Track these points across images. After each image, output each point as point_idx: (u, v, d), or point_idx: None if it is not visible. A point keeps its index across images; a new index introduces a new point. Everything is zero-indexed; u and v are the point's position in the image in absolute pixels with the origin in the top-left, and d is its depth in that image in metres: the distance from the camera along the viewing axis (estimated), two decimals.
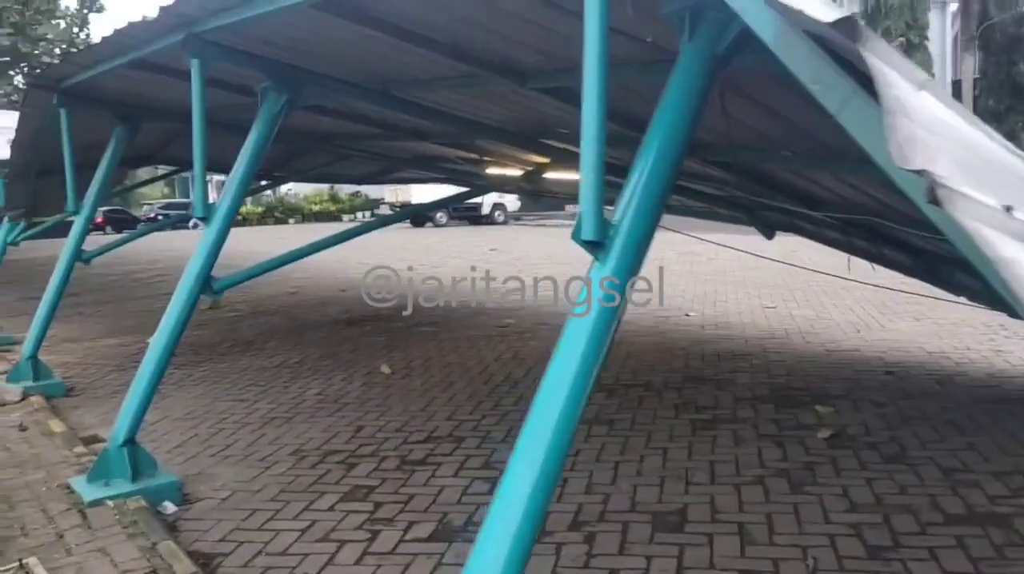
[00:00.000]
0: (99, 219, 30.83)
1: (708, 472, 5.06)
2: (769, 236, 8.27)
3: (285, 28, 4.87)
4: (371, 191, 46.93)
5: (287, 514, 4.72)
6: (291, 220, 43.35)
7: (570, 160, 7.07)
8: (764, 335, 9.23)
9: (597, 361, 2.57)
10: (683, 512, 4.50)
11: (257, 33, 4.96)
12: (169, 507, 4.87)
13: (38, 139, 8.63)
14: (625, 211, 2.57)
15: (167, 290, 15.69)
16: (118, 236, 15.78)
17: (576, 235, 2.53)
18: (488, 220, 35.26)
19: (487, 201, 34.95)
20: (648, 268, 2.54)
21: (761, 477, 4.95)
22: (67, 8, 28.44)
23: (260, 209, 43.98)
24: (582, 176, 2.54)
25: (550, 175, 7.60)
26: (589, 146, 2.53)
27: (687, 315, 10.50)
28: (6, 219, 10.52)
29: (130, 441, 5.04)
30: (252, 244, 25.26)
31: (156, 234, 34.56)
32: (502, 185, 10.04)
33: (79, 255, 8.15)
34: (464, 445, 5.78)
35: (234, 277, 5.70)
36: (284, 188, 50.38)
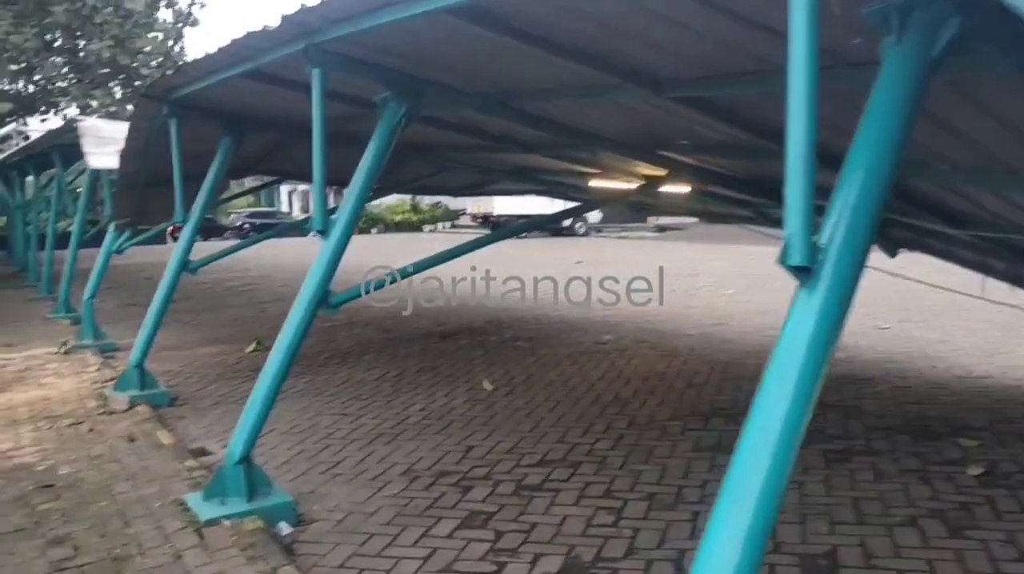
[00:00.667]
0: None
1: (853, 510, 4.70)
2: (892, 254, 7.82)
3: (409, 37, 4.72)
4: (451, 202, 47.20)
5: (405, 540, 4.53)
6: (373, 230, 43.76)
7: (688, 172, 6.77)
8: (882, 358, 8.75)
9: (810, 398, 2.28)
10: (832, 555, 4.16)
11: (380, 42, 4.82)
12: (285, 528, 4.73)
13: (147, 149, 8.70)
14: (834, 234, 2.27)
15: (259, 299, 16.03)
16: (223, 245, 16.01)
17: (783, 260, 2.25)
18: (569, 231, 34.96)
19: None
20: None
21: (913, 518, 4.57)
22: (164, 21, 29.14)
23: None
24: (788, 195, 2.26)
25: (667, 188, 7.29)
26: (797, 162, 2.24)
27: None
28: (111, 228, 10.67)
29: (245, 459, 4.93)
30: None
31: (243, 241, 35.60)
32: (606, 200, 9.73)
33: (186, 265, 8.16)
34: (581, 471, 5.52)
35: (349, 293, 5.56)
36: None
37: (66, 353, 10.29)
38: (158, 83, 7.47)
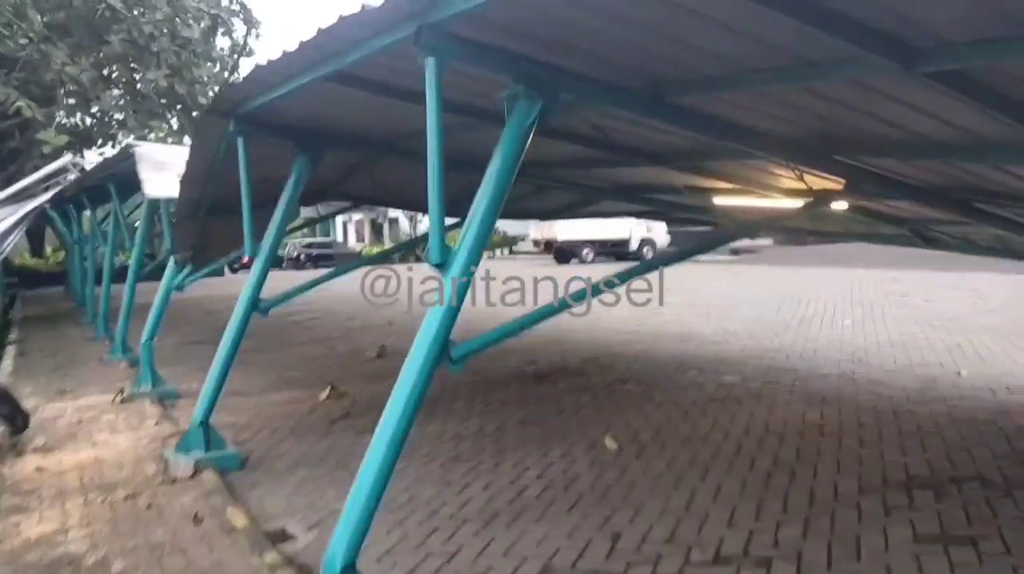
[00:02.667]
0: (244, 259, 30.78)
1: None
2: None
3: (549, 10, 3.57)
4: (508, 227, 46.20)
5: None
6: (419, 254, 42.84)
7: (872, 183, 5.48)
8: None
9: None
10: None
11: (510, 21, 3.68)
12: None
13: (210, 173, 7.68)
14: None
15: (326, 334, 14.94)
16: (283, 277, 15.04)
17: None
18: (635, 256, 33.64)
19: (634, 236, 33.42)
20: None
21: None
22: (222, 50, 28.71)
23: (388, 246, 43.80)
24: None
25: (838, 204, 5.99)
26: None
27: (959, 374, 8.61)
28: (172, 262, 9.68)
29: (350, 567, 3.75)
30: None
31: (303, 272, 34.58)
32: (754, 223, 8.43)
33: (256, 304, 7.06)
34: (776, 572, 4.23)
35: (473, 342, 4.38)
36: (424, 226, 50.31)
37: (122, 402, 9.29)
38: (224, 95, 6.42)
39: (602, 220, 23.45)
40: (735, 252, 34.25)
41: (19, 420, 7.75)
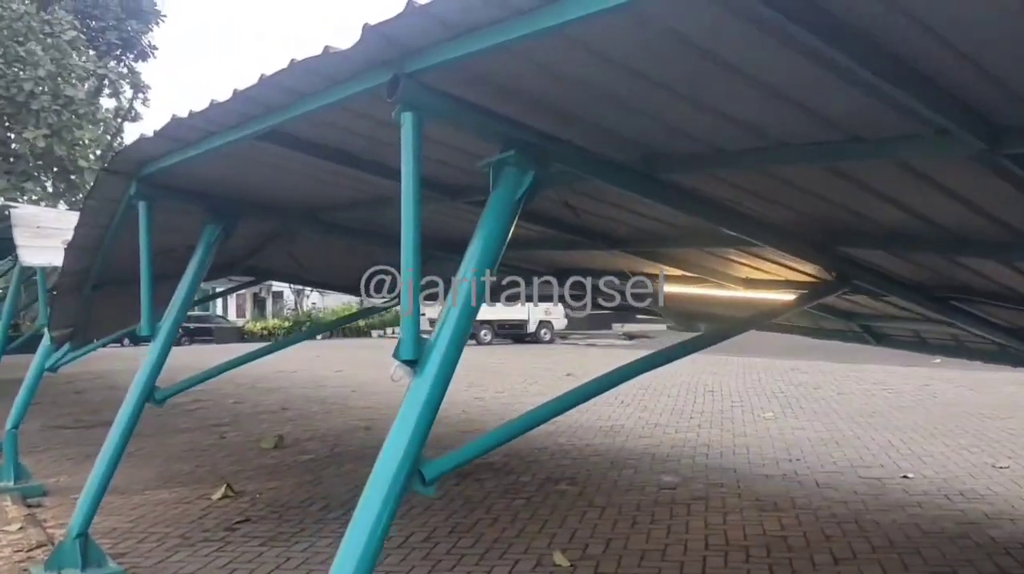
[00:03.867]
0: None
1: None
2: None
3: (548, 68, 3.01)
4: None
5: None
6: (318, 336, 41.34)
7: (870, 277, 5.05)
8: None
9: None
10: None
11: (502, 74, 3.10)
12: None
13: (103, 241, 6.72)
14: None
15: (214, 420, 13.66)
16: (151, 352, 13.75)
17: None
18: (533, 338, 33.26)
19: (533, 317, 33.09)
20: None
21: None
22: (107, 111, 27.24)
23: (288, 323, 42.19)
24: None
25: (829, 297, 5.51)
26: None
27: (905, 477, 8.25)
28: (46, 341, 8.51)
29: None
30: (293, 362, 23.27)
31: (180, 348, 32.46)
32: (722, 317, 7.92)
33: (151, 393, 6.08)
34: None
35: (450, 459, 3.63)
36: (310, 301, 48.83)
37: None
38: (127, 153, 5.56)
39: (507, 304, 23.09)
40: (631, 337, 34.33)
41: None
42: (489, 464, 9.32)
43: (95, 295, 7.54)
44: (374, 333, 42.25)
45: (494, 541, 6.48)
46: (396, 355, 3.31)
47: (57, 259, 8.41)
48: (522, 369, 21.18)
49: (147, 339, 6.11)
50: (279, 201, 6.53)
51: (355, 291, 10.28)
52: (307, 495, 8.12)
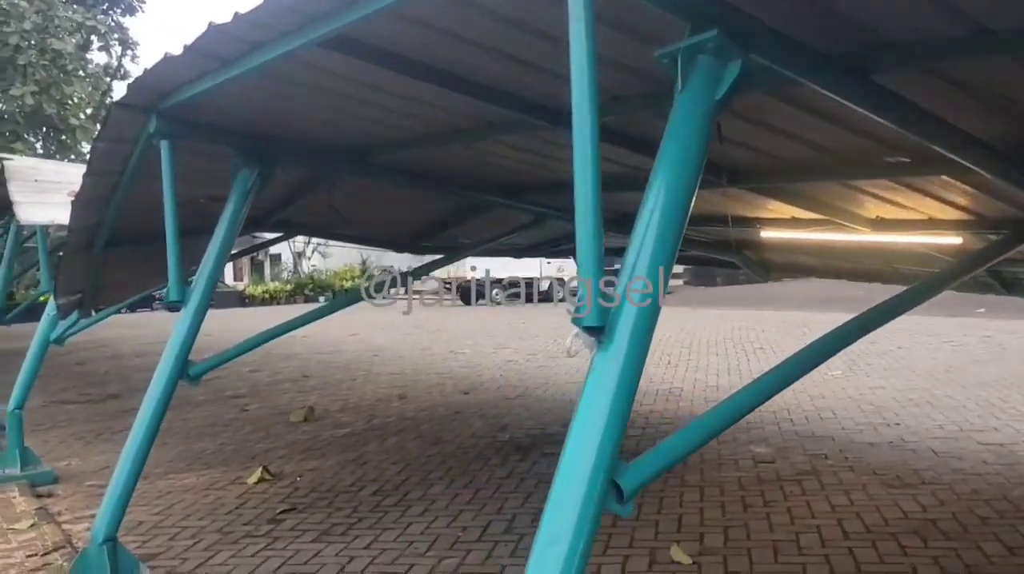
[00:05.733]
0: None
1: None
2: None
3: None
4: (405, 265, 44.26)
5: None
6: (321, 298, 40.35)
7: None
8: None
9: None
10: None
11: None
12: None
13: (116, 192, 5.69)
14: None
15: (232, 391, 12.67)
16: (154, 319, 12.76)
17: None
18: (546, 297, 32.23)
19: (544, 275, 32.08)
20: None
21: None
22: (96, 66, 25.90)
23: (290, 286, 41.15)
24: None
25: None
26: None
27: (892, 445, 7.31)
28: (51, 309, 7.50)
29: None
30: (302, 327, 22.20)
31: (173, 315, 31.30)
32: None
33: (184, 370, 5.10)
34: None
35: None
36: (311, 263, 47.75)
37: None
38: (145, 82, 4.50)
39: (512, 259, 22.02)
40: None
41: None
42: (549, 435, 8.40)
43: (106, 256, 6.51)
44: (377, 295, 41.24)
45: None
46: (576, 321, 2.35)
47: (59, 216, 7.38)
48: (545, 331, 20.12)
49: (170, 306, 5.14)
50: (325, 140, 5.51)
51: (403, 245, 9.23)
52: (354, 477, 7.19)
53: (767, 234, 6.34)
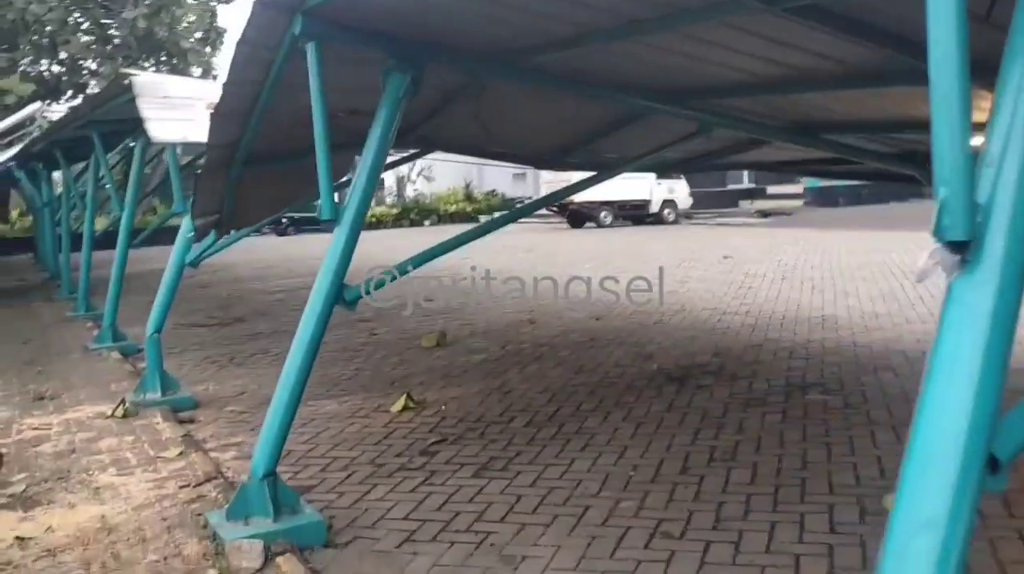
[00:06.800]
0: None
1: None
2: None
3: None
4: (508, 189, 43.79)
5: None
6: (426, 222, 40.34)
7: None
8: None
9: None
10: None
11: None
12: None
13: (257, 103, 5.27)
14: None
15: (357, 317, 12.51)
16: (262, 244, 12.57)
17: None
18: (656, 219, 31.35)
19: (655, 197, 31.13)
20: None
21: None
22: None
23: (396, 211, 41.22)
24: None
25: None
26: None
27: None
28: (185, 230, 7.24)
29: None
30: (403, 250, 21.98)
31: (283, 239, 31.51)
32: None
33: (340, 294, 4.72)
34: None
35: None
36: (414, 188, 47.73)
37: (124, 416, 6.92)
38: None
39: (621, 180, 21.22)
40: (764, 214, 32.13)
41: None
42: (700, 366, 7.84)
43: (244, 174, 6.15)
44: (482, 218, 40.94)
45: (775, 474, 5.02)
46: (937, 232, 1.76)
47: (191, 133, 7.08)
48: (667, 254, 19.40)
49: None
50: (475, 40, 4.95)
51: (546, 161, 8.63)
52: (502, 407, 6.80)
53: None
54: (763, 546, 4.06)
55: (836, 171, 9.01)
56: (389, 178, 53.92)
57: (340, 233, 4.68)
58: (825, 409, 6.25)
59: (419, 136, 6.96)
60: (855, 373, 7.25)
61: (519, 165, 9.79)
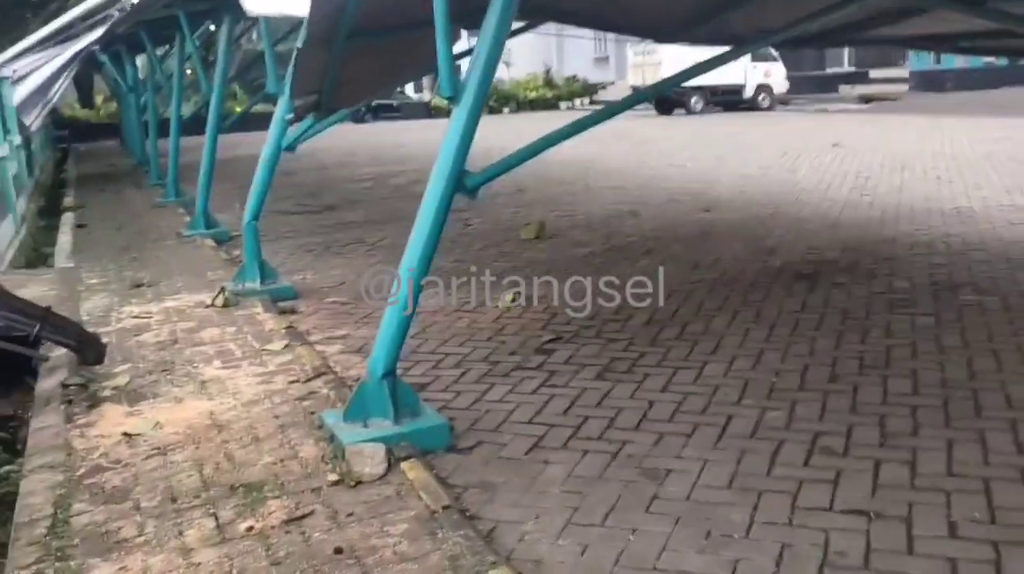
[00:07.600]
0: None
1: None
2: None
3: None
4: (590, 74, 42.30)
5: None
6: (505, 109, 39.39)
7: None
8: None
9: None
10: None
11: None
12: None
13: None
14: None
15: (462, 204, 12.07)
16: (357, 139, 12.09)
17: None
18: (749, 105, 29.86)
19: (750, 82, 29.59)
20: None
21: None
22: None
23: None
24: None
25: None
26: None
27: None
28: (281, 112, 6.81)
29: None
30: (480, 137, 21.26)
31: (363, 126, 30.77)
32: None
33: (460, 181, 4.28)
34: None
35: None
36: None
37: (224, 305, 6.71)
38: None
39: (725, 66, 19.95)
40: (867, 100, 30.34)
41: (90, 352, 5.20)
42: (830, 262, 7.24)
43: (346, 49, 5.65)
44: (562, 105, 39.78)
45: (939, 384, 4.50)
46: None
47: (287, 5, 6.59)
48: (769, 142, 18.35)
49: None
50: None
51: (668, 34, 7.87)
52: (623, 307, 6.35)
53: None
54: (943, 467, 3.59)
55: (988, 47, 8.08)
56: (465, 64, 52.50)
57: (459, 114, 4.19)
58: (983, 311, 5.65)
59: (532, 6, 6.33)
60: (1008, 271, 6.58)
61: (632, 37, 8.97)
